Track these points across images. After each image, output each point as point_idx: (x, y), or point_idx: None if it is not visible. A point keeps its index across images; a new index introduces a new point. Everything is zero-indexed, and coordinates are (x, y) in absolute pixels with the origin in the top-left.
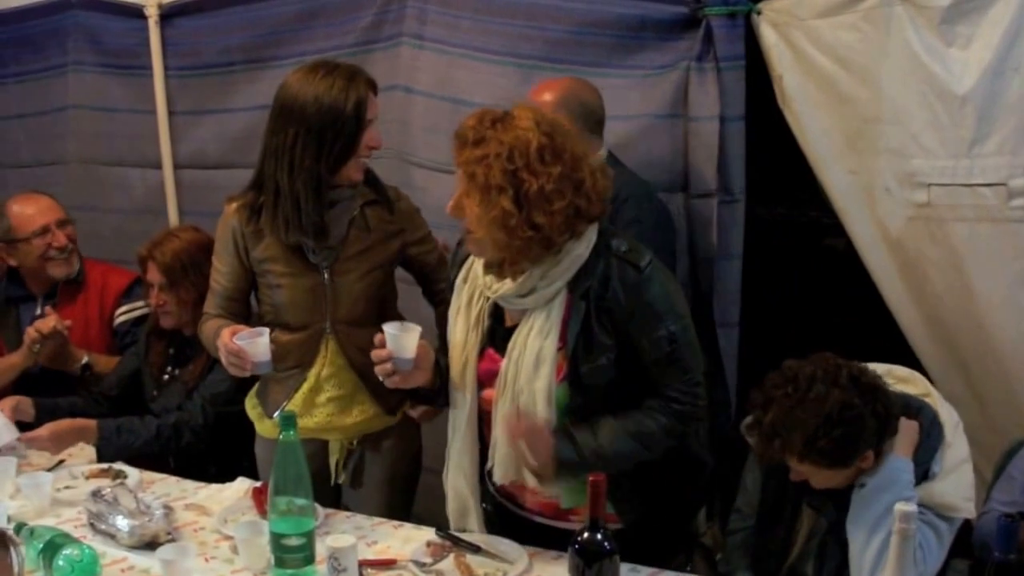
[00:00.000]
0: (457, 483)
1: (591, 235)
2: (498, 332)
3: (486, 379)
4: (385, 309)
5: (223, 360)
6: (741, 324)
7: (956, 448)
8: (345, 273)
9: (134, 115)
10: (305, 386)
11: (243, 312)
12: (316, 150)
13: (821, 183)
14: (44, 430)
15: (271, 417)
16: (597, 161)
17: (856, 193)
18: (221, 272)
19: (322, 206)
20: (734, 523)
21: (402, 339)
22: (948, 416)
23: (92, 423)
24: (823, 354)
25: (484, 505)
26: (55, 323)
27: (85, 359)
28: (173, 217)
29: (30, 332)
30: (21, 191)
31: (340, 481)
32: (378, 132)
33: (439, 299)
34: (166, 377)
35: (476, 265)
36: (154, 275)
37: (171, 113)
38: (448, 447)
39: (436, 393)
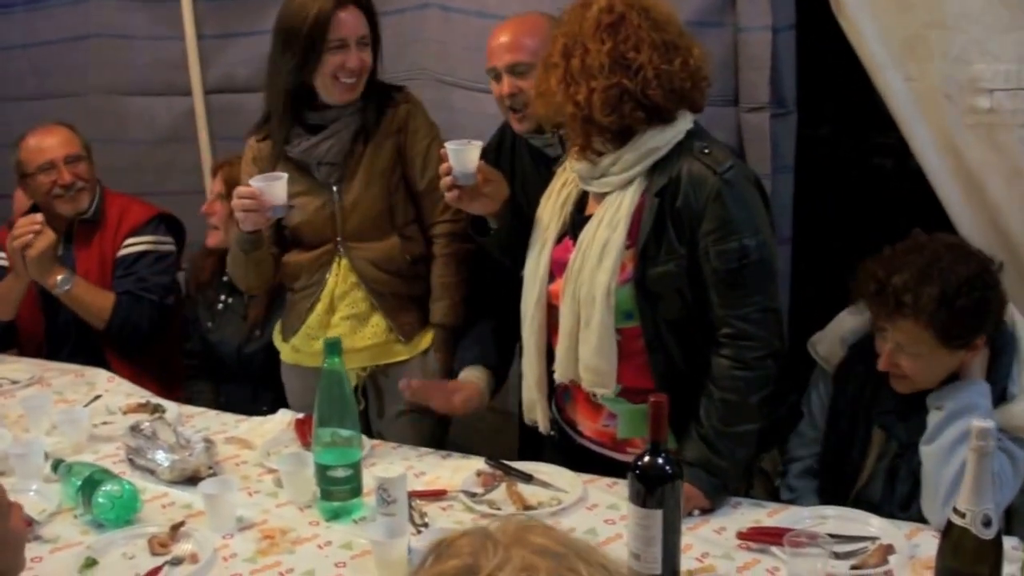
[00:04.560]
0: (528, 373)
1: (675, 133)
2: (578, 221)
3: (559, 270)
4: (396, 219)
5: (237, 213)
6: (793, 241)
7: None
8: (351, 189)
9: (158, 42)
10: (320, 306)
11: (273, 238)
12: (279, 64)
13: (877, 90)
14: None
15: (286, 341)
16: (678, 54)
17: (915, 100)
18: None
19: (290, 121)
20: (796, 450)
21: (463, 153)
22: None
23: None
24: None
25: (551, 432)
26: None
27: (62, 276)
28: (204, 143)
29: (13, 245)
30: (40, 123)
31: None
32: (356, 56)
33: (434, 243)
34: (220, 306)
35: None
36: (218, 185)
37: (199, 37)
38: (523, 333)
39: (503, 231)
